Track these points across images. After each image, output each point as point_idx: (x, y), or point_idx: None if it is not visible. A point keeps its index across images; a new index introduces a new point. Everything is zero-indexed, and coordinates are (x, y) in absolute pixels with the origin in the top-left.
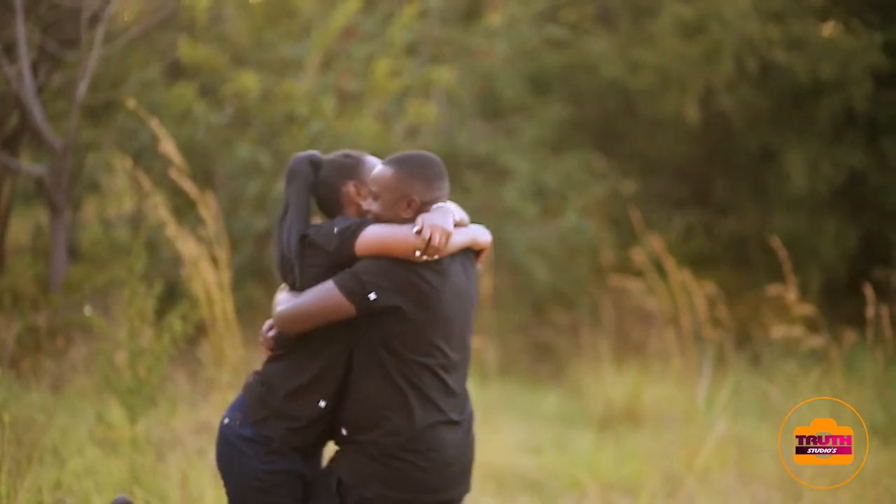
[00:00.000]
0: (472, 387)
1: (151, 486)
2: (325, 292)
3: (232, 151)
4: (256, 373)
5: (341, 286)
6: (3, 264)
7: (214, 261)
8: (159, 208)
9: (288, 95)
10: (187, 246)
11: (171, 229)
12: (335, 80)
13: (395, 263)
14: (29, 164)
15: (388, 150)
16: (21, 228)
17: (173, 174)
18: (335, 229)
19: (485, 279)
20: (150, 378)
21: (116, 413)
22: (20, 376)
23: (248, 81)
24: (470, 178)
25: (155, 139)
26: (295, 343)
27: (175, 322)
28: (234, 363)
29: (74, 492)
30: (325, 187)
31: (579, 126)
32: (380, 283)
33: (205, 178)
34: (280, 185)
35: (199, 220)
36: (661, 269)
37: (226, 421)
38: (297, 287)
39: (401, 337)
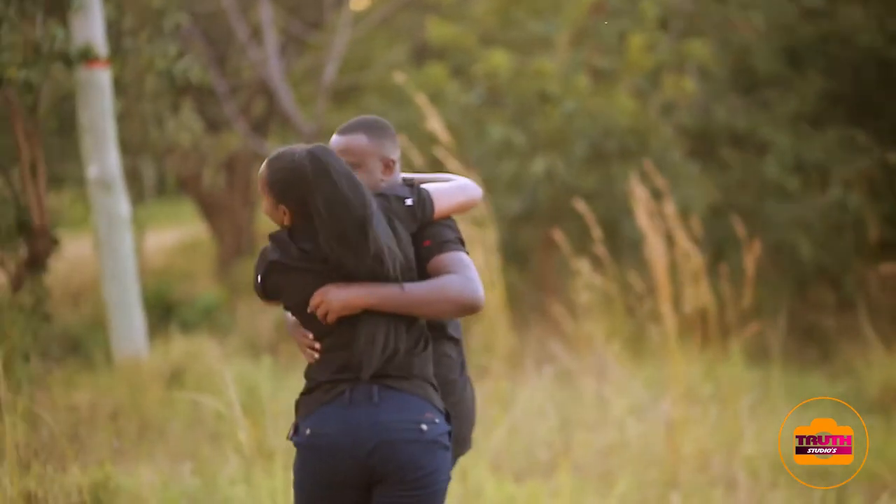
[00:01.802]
0: (748, 371)
1: None
2: (468, 262)
3: (484, 132)
4: (417, 376)
5: (462, 251)
6: (255, 250)
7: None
8: None
9: (539, 74)
10: None
11: None
12: (586, 58)
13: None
14: None
15: (645, 127)
16: None
17: (439, 153)
18: (406, 201)
19: (746, 257)
20: None
21: None
22: (279, 363)
23: (500, 60)
24: (727, 154)
25: (414, 119)
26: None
27: None
28: (506, 350)
29: None
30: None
31: (836, 99)
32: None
33: (458, 159)
34: (535, 166)
35: None
36: None
37: (423, 427)
38: (398, 273)
39: None
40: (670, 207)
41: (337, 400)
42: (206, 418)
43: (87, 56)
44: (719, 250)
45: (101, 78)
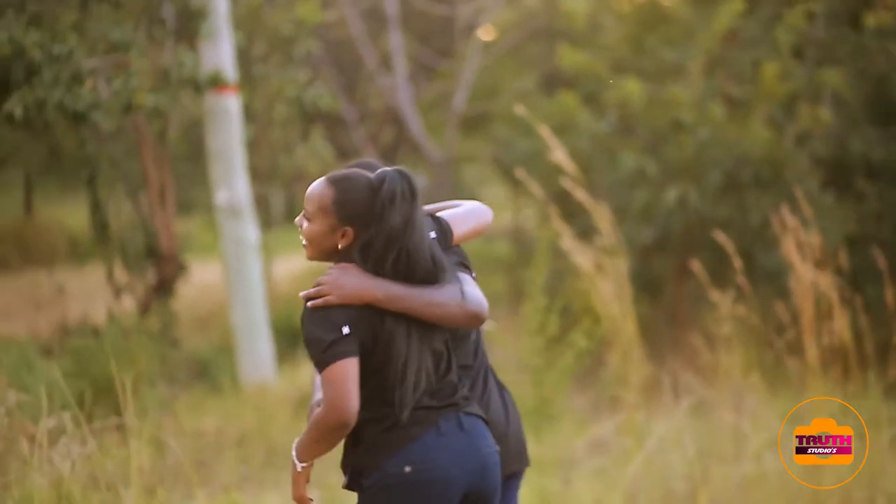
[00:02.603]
0: (887, 405)
1: None
2: (471, 280)
3: (615, 160)
4: (475, 401)
5: (464, 273)
6: None
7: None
8: (553, 219)
9: (673, 102)
10: (584, 258)
11: (567, 241)
12: (720, 86)
13: None
14: None
15: (779, 157)
16: None
17: (565, 183)
18: (430, 235)
19: (888, 290)
20: (553, 397)
21: None
22: None
23: (633, 88)
24: (863, 184)
25: (541, 149)
26: None
27: (579, 338)
28: (640, 381)
29: None
30: None
31: None
32: None
33: (587, 188)
34: (668, 195)
35: (588, 232)
36: None
37: (499, 449)
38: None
39: None
40: (816, 238)
41: (429, 433)
42: None
43: (216, 82)
44: (856, 282)
45: (231, 104)
